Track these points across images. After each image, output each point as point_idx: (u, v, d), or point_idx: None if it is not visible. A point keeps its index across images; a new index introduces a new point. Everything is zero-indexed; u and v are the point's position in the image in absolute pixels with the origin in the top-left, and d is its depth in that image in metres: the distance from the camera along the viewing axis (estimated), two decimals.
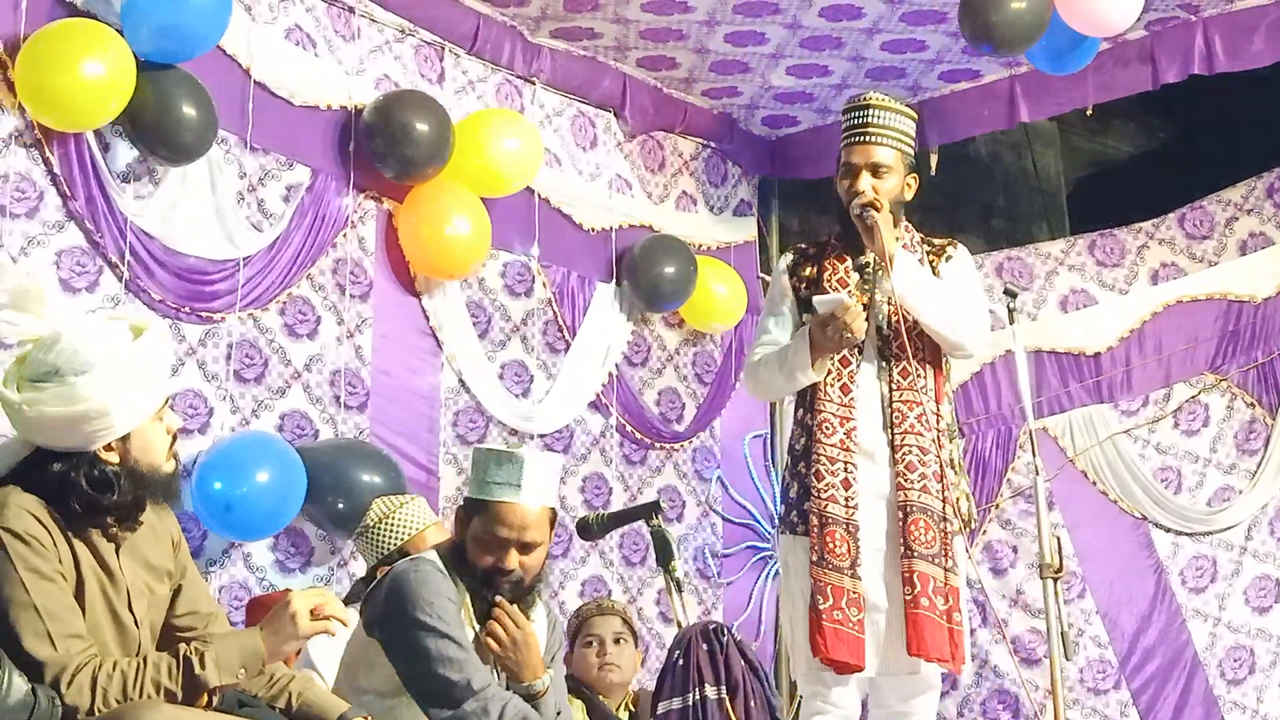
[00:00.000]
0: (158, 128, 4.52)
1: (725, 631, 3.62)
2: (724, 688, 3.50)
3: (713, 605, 6.37)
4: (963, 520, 3.96)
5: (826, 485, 3.88)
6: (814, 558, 3.85)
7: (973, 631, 6.06)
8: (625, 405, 6.18)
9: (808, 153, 6.77)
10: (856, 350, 3.96)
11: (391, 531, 4.19)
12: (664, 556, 3.63)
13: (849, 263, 4.03)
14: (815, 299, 3.88)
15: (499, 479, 3.24)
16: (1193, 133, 8.08)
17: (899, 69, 6.25)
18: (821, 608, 3.81)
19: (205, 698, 2.71)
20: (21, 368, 2.73)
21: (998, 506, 6.34)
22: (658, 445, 6.32)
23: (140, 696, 2.61)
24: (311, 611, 2.78)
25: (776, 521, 4.90)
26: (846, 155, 4.01)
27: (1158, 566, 6.07)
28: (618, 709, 4.63)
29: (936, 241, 4.14)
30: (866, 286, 4.00)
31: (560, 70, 6.05)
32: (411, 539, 4.16)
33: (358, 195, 5.32)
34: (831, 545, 3.84)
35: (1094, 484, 6.22)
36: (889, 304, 3.96)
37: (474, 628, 3.25)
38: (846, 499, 3.87)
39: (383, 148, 5.20)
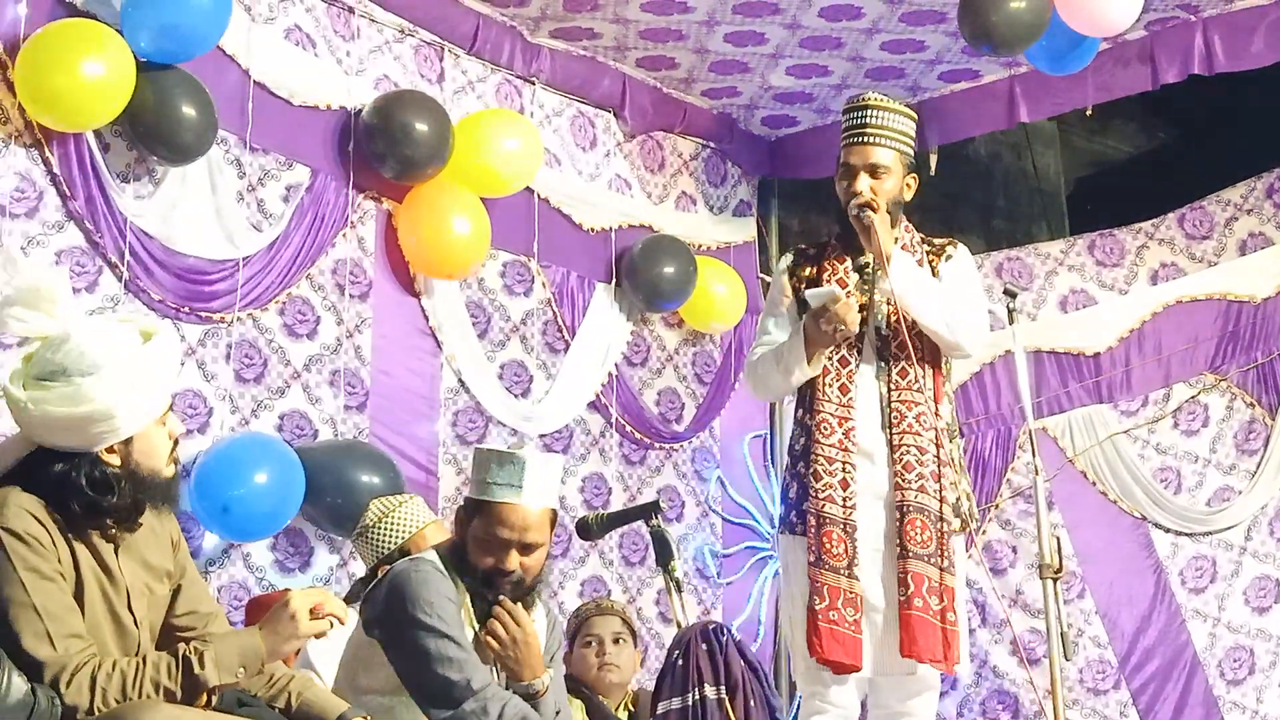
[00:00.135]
0: (157, 128, 4.52)
1: (725, 631, 3.62)
2: (723, 687, 3.50)
3: (712, 605, 6.37)
4: (963, 520, 3.96)
5: (825, 485, 3.89)
6: (811, 558, 3.86)
7: (972, 631, 6.06)
8: (625, 405, 6.18)
9: (807, 153, 6.77)
10: (855, 351, 3.97)
11: (391, 531, 4.19)
12: (663, 556, 3.63)
13: (849, 263, 4.04)
14: (807, 292, 3.90)
15: (500, 480, 3.24)
16: (1192, 133, 8.08)
17: (899, 69, 6.25)
18: (818, 608, 3.81)
19: (205, 697, 2.71)
20: (29, 366, 2.74)
21: (997, 506, 6.34)
22: (657, 445, 6.32)
23: (139, 696, 2.61)
24: (311, 611, 2.79)
25: (776, 522, 4.90)
26: (845, 156, 4.02)
27: (1157, 567, 6.07)
28: (617, 709, 4.63)
29: (937, 241, 4.14)
30: (866, 287, 4.01)
31: (560, 70, 6.05)
32: (411, 537, 4.15)
33: (357, 195, 5.32)
34: (829, 545, 3.85)
35: (1094, 484, 6.22)
36: (888, 304, 3.96)
37: (474, 628, 3.25)
38: (844, 499, 3.88)
39: (382, 148, 5.20)
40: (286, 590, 4.56)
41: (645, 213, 6.43)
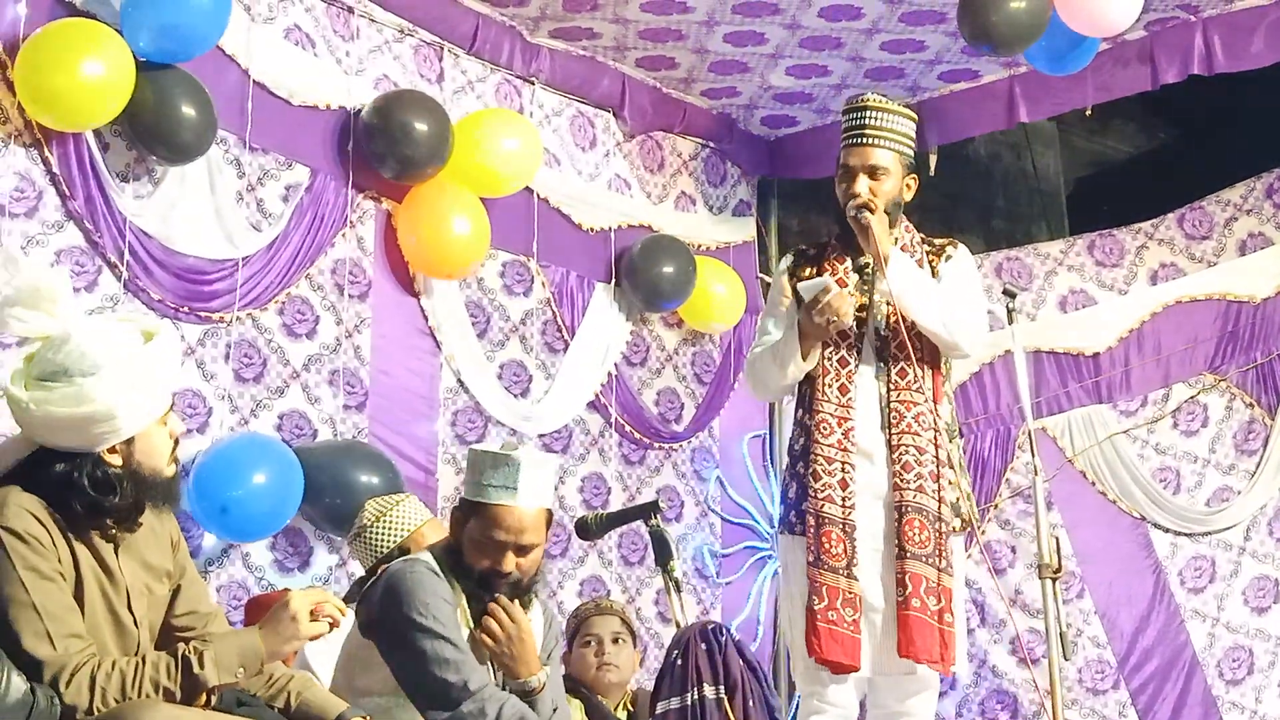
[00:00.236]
0: (157, 128, 4.52)
1: (724, 631, 3.61)
2: (722, 687, 3.50)
3: (711, 605, 6.37)
4: (963, 520, 3.96)
5: (824, 485, 3.89)
6: (810, 558, 3.86)
7: (971, 631, 6.06)
8: (624, 405, 6.18)
9: (807, 153, 6.77)
10: (855, 351, 3.97)
11: (388, 531, 4.18)
12: (662, 556, 3.63)
13: (849, 264, 4.04)
14: (800, 285, 3.89)
15: (495, 481, 3.23)
16: (1192, 133, 8.08)
17: (898, 69, 6.25)
18: (816, 608, 3.81)
19: (204, 697, 2.71)
20: (30, 366, 2.74)
21: (996, 506, 6.35)
22: (656, 445, 6.32)
23: (139, 696, 2.62)
24: (311, 612, 2.79)
25: (776, 522, 4.90)
26: (844, 157, 4.02)
27: (1156, 567, 6.07)
28: (616, 709, 4.62)
29: (937, 241, 4.14)
30: (865, 287, 4.01)
31: (559, 70, 6.05)
32: (409, 536, 4.15)
33: (357, 195, 5.32)
34: (828, 545, 3.85)
35: (1093, 484, 6.22)
36: (887, 305, 3.96)
37: (470, 628, 3.24)
38: (844, 499, 3.88)
39: (382, 148, 5.20)
40: (286, 590, 4.57)
41: (645, 213, 6.43)
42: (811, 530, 3.87)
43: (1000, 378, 6.38)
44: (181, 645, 2.71)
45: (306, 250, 5.12)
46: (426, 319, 5.53)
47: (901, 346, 3.93)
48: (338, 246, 5.27)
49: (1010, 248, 6.85)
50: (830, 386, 3.95)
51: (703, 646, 3.53)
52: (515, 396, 5.80)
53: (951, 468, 3.95)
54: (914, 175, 4.09)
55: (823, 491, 3.88)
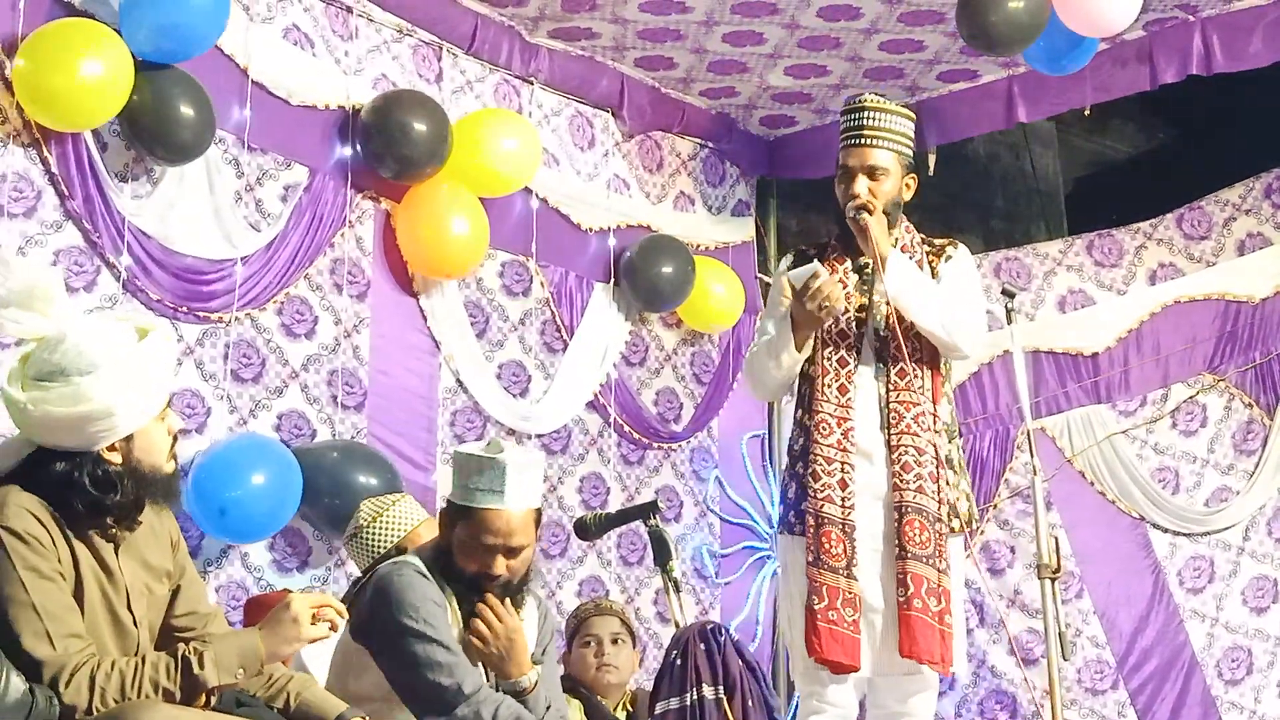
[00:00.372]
0: (155, 127, 4.52)
1: (723, 631, 3.61)
2: (721, 687, 3.50)
3: (710, 605, 6.37)
4: (962, 521, 3.96)
5: (823, 485, 3.89)
6: (810, 558, 3.86)
7: (970, 631, 6.06)
8: (623, 405, 6.18)
9: (805, 153, 6.77)
10: (854, 351, 3.98)
11: (385, 531, 4.18)
12: (661, 556, 3.63)
13: (849, 264, 4.05)
14: (790, 273, 3.90)
15: (482, 485, 3.20)
16: (1190, 133, 8.08)
17: (897, 69, 6.25)
18: (816, 608, 3.81)
19: (203, 697, 2.71)
20: (26, 366, 2.74)
21: (995, 507, 6.35)
22: (655, 445, 6.32)
23: (138, 696, 2.61)
24: (312, 614, 2.79)
25: (775, 522, 4.90)
26: (843, 158, 4.02)
27: (1155, 567, 6.07)
28: (615, 709, 4.63)
29: (937, 242, 4.15)
30: (865, 287, 4.01)
31: (558, 70, 6.05)
32: (406, 536, 4.15)
33: (355, 195, 5.32)
34: (828, 545, 3.85)
35: (1092, 484, 6.22)
36: (886, 305, 3.96)
37: (461, 629, 3.23)
38: (843, 499, 3.88)
39: (381, 147, 5.20)
40: (286, 591, 4.58)
41: (643, 213, 6.43)
42: (811, 530, 3.87)
43: (999, 378, 6.38)
44: (181, 645, 2.71)
45: (305, 250, 5.11)
46: (425, 319, 5.52)
47: (901, 347, 3.93)
48: (336, 246, 5.26)
49: (1009, 248, 6.85)
50: (830, 387, 3.95)
51: (702, 647, 3.53)
52: (514, 396, 5.80)
53: (951, 468, 3.95)
54: (913, 175, 4.10)
55: (822, 492, 3.88)
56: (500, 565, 3.22)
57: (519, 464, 3.23)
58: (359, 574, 4.26)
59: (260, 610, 3.86)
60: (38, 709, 2.51)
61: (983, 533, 6.31)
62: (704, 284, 6.33)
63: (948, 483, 3.92)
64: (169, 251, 4.72)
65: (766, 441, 6.78)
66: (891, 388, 3.95)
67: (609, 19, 5.84)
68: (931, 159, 6.32)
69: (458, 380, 5.61)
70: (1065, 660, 4.23)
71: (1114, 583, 6.12)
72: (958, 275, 4.09)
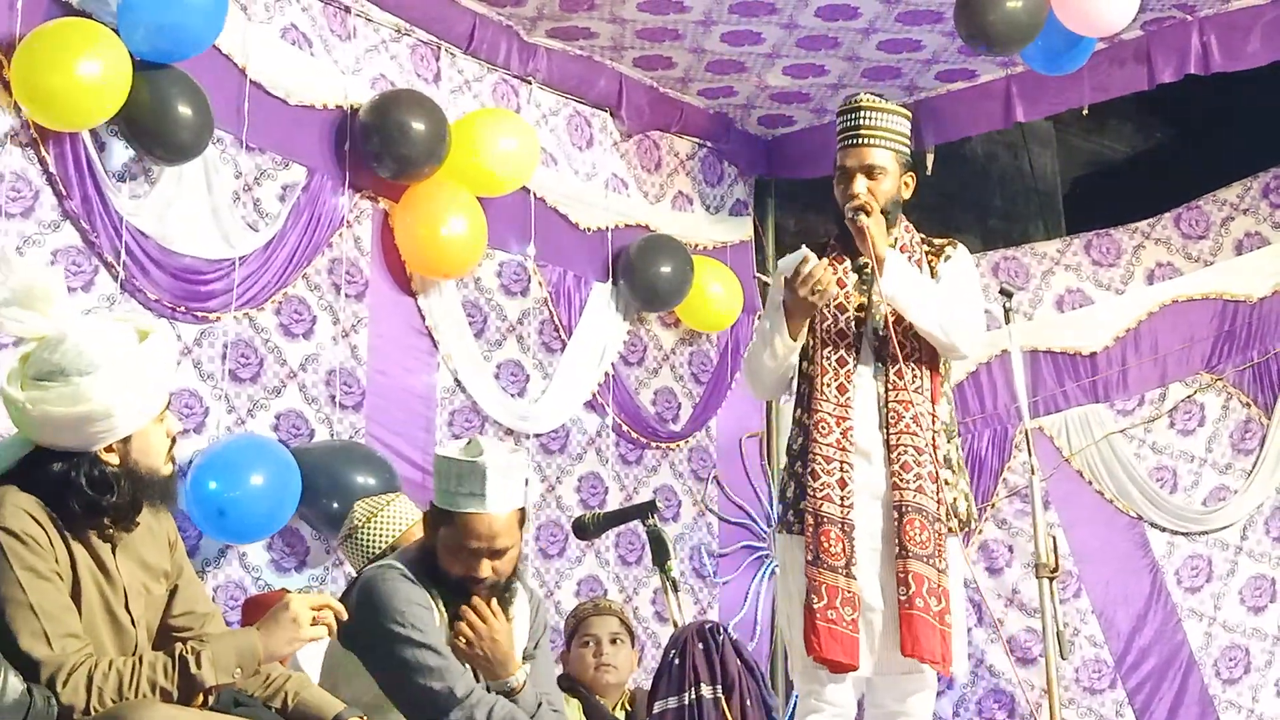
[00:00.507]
0: (153, 127, 4.52)
1: (721, 631, 3.61)
2: (720, 687, 3.49)
3: (708, 605, 6.37)
4: (961, 520, 3.97)
5: (822, 485, 3.89)
6: (809, 557, 3.86)
7: (969, 630, 6.06)
8: (621, 405, 6.18)
9: (804, 152, 6.77)
10: (854, 351, 3.98)
11: (380, 531, 4.17)
12: (660, 556, 3.62)
13: (848, 264, 4.05)
14: (780, 261, 3.90)
15: (463, 490, 3.16)
16: (1188, 133, 8.08)
17: (895, 69, 6.25)
18: (816, 607, 3.81)
19: (201, 697, 2.70)
20: (26, 366, 2.74)
21: (993, 506, 6.35)
22: (654, 445, 6.32)
23: (136, 696, 2.61)
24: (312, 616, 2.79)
25: (774, 521, 4.90)
26: (841, 159, 4.02)
27: (1153, 566, 6.08)
28: (614, 709, 4.63)
29: (936, 241, 4.15)
30: (864, 287, 4.01)
31: (556, 70, 6.05)
32: (402, 535, 4.15)
33: (354, 195, 5.32)
34: (827, 545, 3.85)
35: (1090, 483, 6.23)
36: (885, 305, 3.96)
37: (449, 632, 3.22)
38: (842, 498, 3.88)
39: (379, 147, 5.20)
40: (284, 590, 4.58)
41: (642, 212, 6.43)
42: (810, 529, 3.87)
43: (997, 377, 6.38)
44: (179, 645, 2.71)
45: (303, 250, 5.11)
46: (423, 319, 5.52)
47: (899, 346, 3.93)
48: (334, 246, 5.26)
49: (1007, 247, 6.85)
50: (829, 386, 3.96)
51: (700, 646, 3.53)
52: (512, 396, 5.80)
53: (950, 468, 3.96)
54: (911, 173, 4.10)
55: (821, 491, 3.88)
56: (485, 568, 3.19)
57: (499, 466, 3.18)
58: (355, 574, 4.26)
59: (258, 610, 3.86)
60: (35, 709, 2.51)
61: (981, 532, 6.31)
62: (702, 284, 6.33)
63: (946, 482, 3.92)
64: (167, 251, 4.72)
65: (765, 441, 6.78)
66: (890, 387, 3.95)
67: (607, 18, 5.84)
68: (930, 159, 6.31)
69: (456, 380, 5.61)
70: (1063, 659, 4.23)
71: (1112, 582, 6.13)
72: (957, 275, 4.09)
